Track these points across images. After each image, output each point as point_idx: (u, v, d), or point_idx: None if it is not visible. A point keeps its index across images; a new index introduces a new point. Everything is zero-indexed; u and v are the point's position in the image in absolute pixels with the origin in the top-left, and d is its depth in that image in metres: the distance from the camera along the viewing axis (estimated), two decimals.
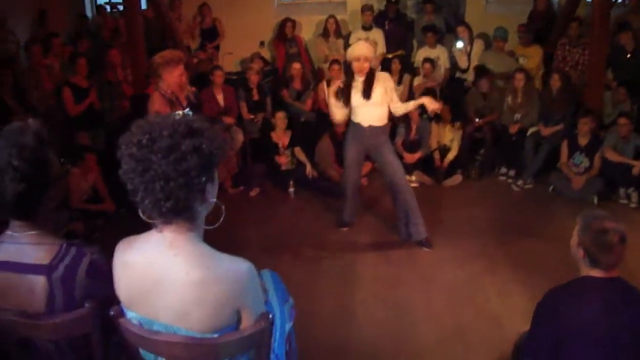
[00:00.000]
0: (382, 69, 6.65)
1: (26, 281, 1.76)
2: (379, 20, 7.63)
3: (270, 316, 1.68)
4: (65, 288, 1.77)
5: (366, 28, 7.41)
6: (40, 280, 1.76)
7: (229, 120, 5.95)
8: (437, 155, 6.02)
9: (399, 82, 6.82)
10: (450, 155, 6.01)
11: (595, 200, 5.30)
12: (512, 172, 6.02)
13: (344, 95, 4.30)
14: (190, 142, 1.50)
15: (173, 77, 3.82)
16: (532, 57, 6.93)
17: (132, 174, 1.50)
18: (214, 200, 1.65)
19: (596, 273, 2.17)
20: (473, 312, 3.61)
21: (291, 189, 5.70)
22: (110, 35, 7.38)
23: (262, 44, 8.05)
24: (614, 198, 5.37)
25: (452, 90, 6.96)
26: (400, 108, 4.38)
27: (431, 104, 4.24)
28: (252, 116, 6.35)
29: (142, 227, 1.65)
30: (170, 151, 1.48)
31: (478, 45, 7.23)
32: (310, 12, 8.30)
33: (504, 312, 3.59)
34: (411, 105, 4.41)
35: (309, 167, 5.86)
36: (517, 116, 6.16)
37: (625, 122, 5.37)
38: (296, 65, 6.70)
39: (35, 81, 5.89)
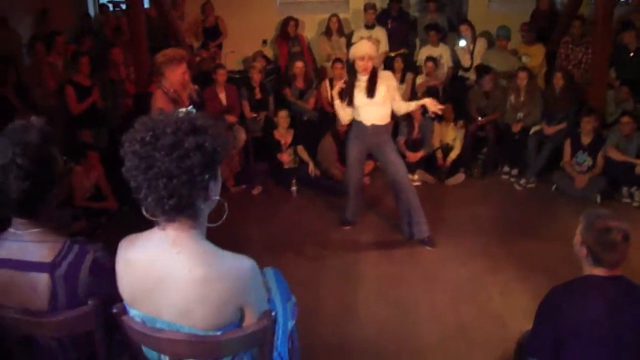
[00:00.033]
0: (385, 68, 6.64)
1: (29, 279, 1.76)
2: (382, 18, 7.62)
3: (273, 314, 1.68)
4: (68, 286, 1.78)
5: (369, 26, 7.40)
6: (43, 278, 1.76)
7: (231, 118, 5.95)
8: (439, 154, 6.02)
9: (401, 81, 6.81)
10: (453, 154, 6.00)
11: (598, 199, 5.29)
12: (514, 171, 6.01)
13: (347, 94, 4.30)
14: (193, 140, 1.50)
15: (176, 76, 3.82)
16: (534, 56, 6.91)
17: (135, 172, 1.50)
18: (217, 198, 1.66)
19: (599, 271, 2.17)
20: (475, 311, 3.60)
21: (293, 188, 5.70)
22: (112, 34, 7.39)
23: (264, 42, 8.05)
24: (617, 197, 5.36)
25: (454, 89, 6.96)
26: (402, 107, 4.38)
27: (433, 106, 4.23)
28: (254, 115, 6.35)
29: (144, 225, 1.65)
30: (174, 148, 1.48)
31: (481, 43, 7.22)
32: (313, 10, 8.29)
33: (507, 310, 3.59)
34: (413, 105, 4.41)
35: (311, 166, 5.86)
36: (520, 115, 6.15)
37: (628, 120, 5.36)
38: (299, 64, 6.70)
39: (38, 79, 5.91)
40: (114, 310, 1.68)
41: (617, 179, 5.37)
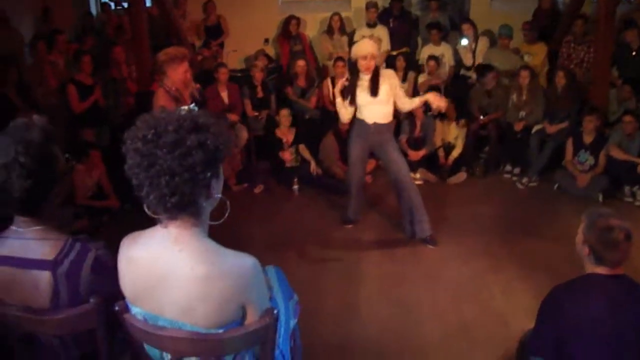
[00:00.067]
0: (387, 67, 6.63)
1: (31, 276, 1.76)
2: (384, 17, 7.62)
3: (275, 312, 1.68)
4: (70, 283, 1.78)
5: (370, 25, 7.40)
6: (45, 276, 1.76)
7: (233, 117, 5.95)
8: (441, 153, 6.01)
9: (403, 80, 6.80)
10: (455, 153, 6.00)
11: (600, 198, 5.28)
12: (516, 170, 6.01)
13: (350, 93, 4.29)
14: (195, 138, 1.50)
15: (177, 74, 3.82)
16: (536, 55, 6.91)
17: (137, 169, 1.50)
18: (219, 195, 1.65)
19: (601, 270, 2.17)
20: (478, 310, 3.60)
21: (295, 186, 5.70)
22: (114, 33, 7.40)
23: (266, 41, 8.04)
24: (619, 196, 5.35)
25: (456, 88, 6.95)
26: (407, 104, 4.37)
27: (436, 101, 4.23)
28: (256, 113, 6.35)
29: (146, 223, 1.65)
30: (176, 146, 1.48)
31: (483, 42, 7.21)
32: (315, 9, 8.29)
33: (509, 309, 3.59)
34: (417, 101, 4.39)
35: (313, 165, 5.86)
36: (522, 114, 6.14)
37: (631, 119, 5.35)
38: (300, 63, 6.70)
39: (39, 78, 5.91)
40: (116, 308, 1.68)
41: (619, 178, 5.36)
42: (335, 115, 5.83)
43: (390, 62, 7.07)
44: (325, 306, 3.66)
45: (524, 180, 5.79)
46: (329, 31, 7.62)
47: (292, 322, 2.20)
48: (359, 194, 4.78)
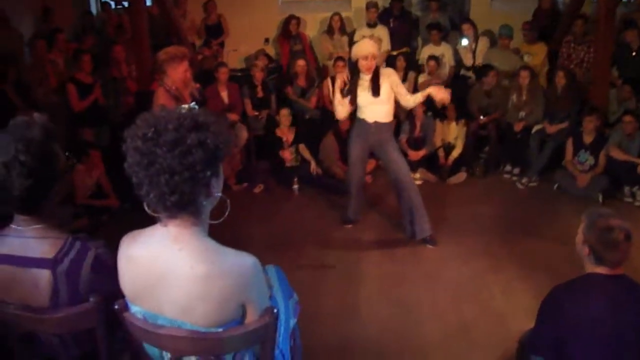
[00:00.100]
0: (387, 66, 6.63)
1: (30, 275, 1.76)
2: (384, 17, 7.61)
3: (275, 311, 1.68)
4: (70, 282, 1.77)
5: (371, 25, 7.39)
6: (44, 274, 1.76)
7: (233, 117, 5.95)
8: (441, 153, 6.01)
9: (403, 80, 6.79)
10: (455, 153, 6.00)
11: (600, 198, 5.28)
12: (516, 170, 6.01)
13: (350, 93, 4.29)
14: (195, 136, 1.50)
15: (177, 73, 3.81)
16: (536, 55, 6.91)
17: (137, 168, 1.49)
18: (219, 194, 1.65)
19: (601, 270, 2.16)
20: (477, 310, 3.60)
21: (295, 186, 5.70)
22: (114, 32, 7.39)
23: (266, 41, 8.04)
24: (619, 196, 5.35)
25: (456, 88, 6.92)
26: (410, 100, 4.34)
27: (439, 93, 4.18)
28: (256, 113, 6.35)
29: (146, 223, 1.65)
30: (176, 145, 1.48)
31: (483, 42, 7.21)
32: (315, 9, 8.29)
33: (509, 309, 3.59)
34: (420, 96, 4.32)
35: (313, 164, 5.86)
36: (522, 114, 6.14)
37: (631, 119, 5.35)
38: (301, 63, 6.69)
39: (39, 77, 5.91)
40: (116, 307, 1.68)
41: (619, 178, 5.36)
42: (335, 114, 5.86)
43: (390, 62, 7.07)
44: (325, 306, 3.65)
45: (524, 180, 5.79)
46: (329, 31, 7.61)
47: (292, 322, 2.20)
48: (359, 194, 4.78)
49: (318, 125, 6.45)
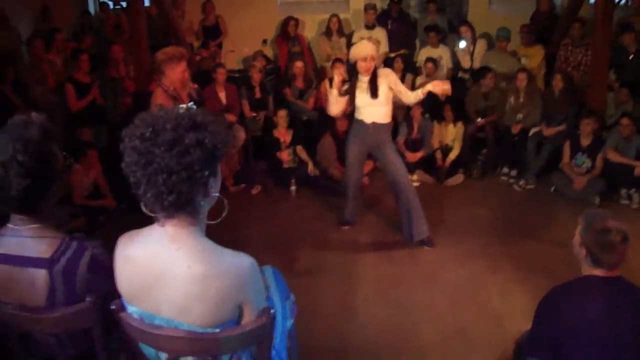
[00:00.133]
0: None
1: (27, 274, 1.76)
2: (382, 19, 7.63)
3: (272, 311, 1.68)
4: (67, 282, 1.77)
5: (369, 27, 7.40)
6: (41, 274, 1.75)
7: (231, 118, 5.95)
8: (439, 155, 6.02)
9: (401, 82, 6.81)
10: (452, 155, 6.00)
11: (597, 201, 5.29)
12: (513, 172, 6.01)
13: (349, 94, 4.29)
14: (193, 136, 1.50)
15: (176, 74, 3.82)
16: (533, 57, 6.92)
17: (135, 167, 1.49)
18: (217, 194, 1.65)
19: (598, 272, 2.17)
20: (475, 311, 3.60)
21: (293, 187, 5.70)
22: (113, 32, 7.39)
23: (264, 42, 8.05)
24: (616, 199, 5.35)
25: (454, 90, 6.90)
26: (411, 96, 4.31)
27: (440, 86, 4.15)
28: (254, 114, 6.35)
29: (143, 223, 1.65)
30: (174, 144, 1.48)
31: (481, 45, 7.22)
32: (313, 10, 8.29)
33: (506, 311, 3.59)
34: (420, 93, 4.29)
35: (310, 166, 5.86)
36: (520, 116, 6.15)
37: (628, 122, 5.35)
38: (299, 64, 6.70)
39: (37, 77, 5.90)
40: (112, 307, 1.67)
41: (616, 180, 5.36)
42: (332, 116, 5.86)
43: (388, 64, 7.06)
44: (323, 307, 3.65)
45: (521, 182, 5.80)
46: (328, 33, 7.63)
47: (289, 322, 2.20)
48: (356, 195, 4.78)
49: (316, 126, 6.46)
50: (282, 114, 5.95)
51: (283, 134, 5.95)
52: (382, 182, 5.16)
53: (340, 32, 7.63)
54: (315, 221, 5.04)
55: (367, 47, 4.22)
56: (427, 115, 6.15)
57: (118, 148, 1.54)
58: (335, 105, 4.33)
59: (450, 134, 6.11)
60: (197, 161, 1.50)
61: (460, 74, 7.30)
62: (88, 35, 7.19)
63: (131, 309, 1.67)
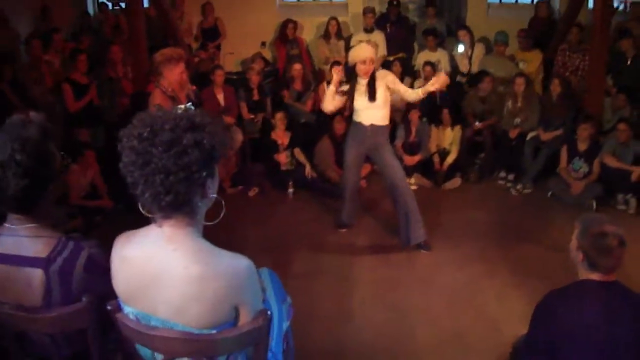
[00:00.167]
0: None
1: (24, 274, 1.75)
2: (381, 22, 7.64)
3: (269, 313, 1.68)
4: (63, 282, 1.76)
5: (367, 30, 7.42)
6: (37, 274, 1.74)
7: (228, 119, 5.95)
8: (436, 158, 6.02)
9: None
10: (450, 159, 6.01)
11: (594, 206, 5.29)
12: (511, 176, 6.02)
13: (349, 98, 4.29)
14: (191, 136, 1.49)
15: (174, 75, 3.81)
16: (531, 62, 6.95)
17: (132, 167, 1.49)
18: (214, 195, 1.65)
19: (595, 276, 2.17)
20: (472, 315, 3.60)
21: (290, 190, 5.70)
22: (111, 32, 7.38)
23: (263, 44, 8.06)
24: (613, 204, 5.36)
25: (452, 94, 6.97)
26: (412, 94, 4.29)
27: (437, 84, 4.09)
28: (252, 116, 6.35)
29: (139, 224, 1.64)
30: (172, 145, 1.47)
31: (479, 49, 7.24)
32: (312, 13, 8.31)
33: (503, 315, 3.59)
34: (421, 92, 4.23)
35: (308, 168, 5.86)
36: (517, 120, 6.16)
37: (625, 128, 5.37)
38: (297, 66, 6.70)
39: (35, 76, 5.89)
40: (108, 307, 1.67)
41: (613, 186, 5.37)
42: (330, 119, 5.87)
43: (386, 67, 7.05)
44: (319, 310, 3.64)
45: (518, 186, 5.81)
46: (326, 36, 7.64)
47: (285, 325, 2.20)
48: (353, 198, 4.78)
49: (313, 129, 6.46)
50: (280, 116, 5.95)
51: (281, 136, 5.94)
52: (380, 185, 5.16)
53: (339, 35, 7.65)
54: (313, 224, 5.03)
55: (366, 50, 4.22)
56: (424, 119, 6.16)
57: (115, 148, 1.53)
58: (331, 102, 4.33)
59: (447, 138, 6.12)
60: (194, 162, 1.49)
61: (458, 78, 7.31)
62: (86, 35, 7.18)
63: (127, 309, 1.66)
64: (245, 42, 7.88)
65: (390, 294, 3.87)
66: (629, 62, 6.47)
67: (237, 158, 6.01)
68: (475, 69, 7.06)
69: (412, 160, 5.89)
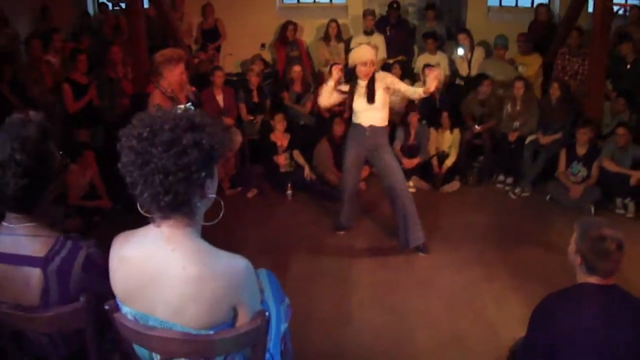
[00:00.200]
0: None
1: (22, 273, 1.75)
2: (381, 25, 7.65)
3: (267, 314, 1.67)
4: (61, 281, 1.76)
5: (367, 33, 7.42)
6: (35, 273, 1.74)
7: (228, 121, 5.94)
8: (435, 161, 6.02)
9: None
10: (449, 162, 6.01)
11: (592, 210, 5.29)
12: (509, 180, 6.02)
13: (348, 100, 4.29)
14: (191, 137, 1.49)
15: (174, 76, 3.81)
16: (530, 66, 6.95)
17: (132, 167, 1.49)
18: (213, 196, 1.64)
19: (593, 280, 2.17)
20: (470, 318, 3.60)
21: (289, 191, 5.69)
22: (111, 32, 7.38)
23: (263, 46, 8.06)
24: (611, 208, 5.36)
25: (451, 97, 6.98)
26: (415, 93, 4.30)
27: (434, 81, 4.09)
28: (251, 117, 6.35)
29: (138, 224, 1.64)
30: (171, 145, 1.47)
31: (479, 52, 7.25)
32: (312, 15, 8.32)
33: (501, 318, 3.58)
34: (421, 91, 4.22)
35: (307, 170, 5.85)
36: (516, 124, 6.16)
37: (624, 132, 5.37)
38: (297, 68, 6.70)
39: (35, 76, 5.89)
40: (106, 307, 1.66)
41: (611, 190, 5.37)
42: (329, 121, 5.87)
43: (386, 70, 7.05)
44: (318, 312, 3.64)
45: (517, 190, 5.81)
46: (326, 38, 7.65)
47: (283, 326, 2.20)
48: (352, 200, 4.77)
49: (313, 131, 6.45)
50: (279, 117, 5.95)
51: (280, 138, 5.94)
52: (379, 187, 5.16)
53: (339, 38, 7.65)
54: (311, 226, 5.03)
55: (367, 52, 4.22)
56: (424, 122, 6.16)
57: (115, 149, 1.53)
58: (328, 98, 4.32)
59: (446, 141, 6.12)
60: (194, 162, 1.49)
61: (457, 81, 7.31)
62: (86, 35, 7.18)
63: (125, 309, 1.66)
64: (245, 44, 7.89)
65: (388, 297, 3.86)
66: (628, 66, 6.47)
67: (236, 159, 6.01)
68: (474, 72, 7.06)
69: (410, 163, 5.89)
